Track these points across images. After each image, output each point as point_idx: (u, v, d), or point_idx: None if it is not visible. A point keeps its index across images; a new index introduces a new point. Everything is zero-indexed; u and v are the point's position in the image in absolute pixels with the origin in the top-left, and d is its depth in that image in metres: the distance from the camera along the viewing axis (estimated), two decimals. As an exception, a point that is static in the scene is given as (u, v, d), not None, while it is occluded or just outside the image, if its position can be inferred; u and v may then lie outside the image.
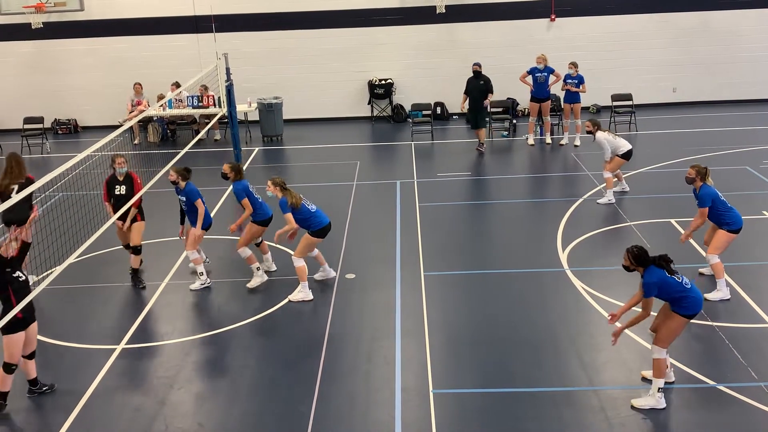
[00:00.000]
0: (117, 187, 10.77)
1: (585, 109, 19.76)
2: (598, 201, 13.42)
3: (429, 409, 7.63)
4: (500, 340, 8.97)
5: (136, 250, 10.84)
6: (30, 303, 7.68)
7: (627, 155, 13.33)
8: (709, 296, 9.57)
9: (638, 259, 7.44)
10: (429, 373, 8.23)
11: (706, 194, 9.70)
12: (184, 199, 10.69)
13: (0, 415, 7.78)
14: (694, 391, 7.81)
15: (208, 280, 10.77)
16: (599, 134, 13.32)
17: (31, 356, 8.01)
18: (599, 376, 8.15)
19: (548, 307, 9.78)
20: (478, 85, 17.13)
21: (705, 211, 9.72)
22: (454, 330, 9.23)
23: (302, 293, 10.20)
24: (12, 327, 7.55)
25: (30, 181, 10.06)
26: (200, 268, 10.70)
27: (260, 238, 11.07)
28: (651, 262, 7.43)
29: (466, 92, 17.32)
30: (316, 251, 10.61)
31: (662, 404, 7.49)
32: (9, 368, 7.74)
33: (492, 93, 17.21)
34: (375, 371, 8.43)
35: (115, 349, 9.10)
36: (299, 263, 10.21)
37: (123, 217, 10.61)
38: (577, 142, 17.41)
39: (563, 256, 11.21)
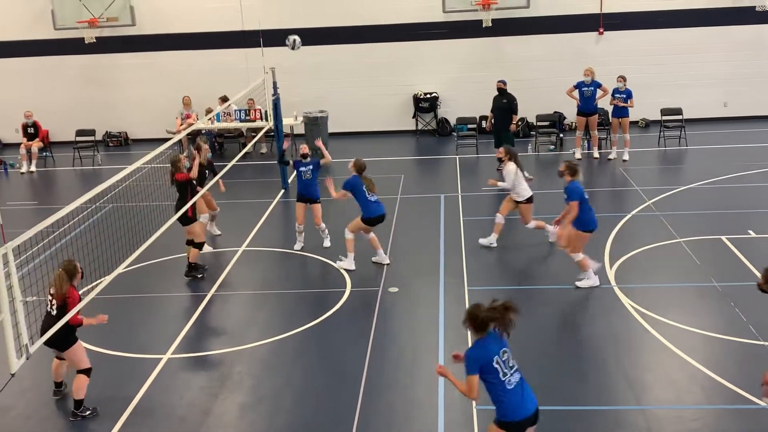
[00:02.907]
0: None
1: (633, 123, 19.47)
2: (481, 241, 12.33)
3: (473, 426, 7.55)
4: (545, 357, 8.85)
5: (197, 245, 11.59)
6: None
7: (529, 200, 12.14)
8: (579, 284, 10.54)
9: None
10: (473, 390, 8.13)
11: (575, 188, 10.25)
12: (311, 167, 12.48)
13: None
14: (746, 412, 7.60)
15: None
16: (511, 165, 11.99)
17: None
18: (646, 396, 7.99)
19: (595, 324, 9.63)
20: (501, 104, 16.97)
21: (574, 204, 10.17)
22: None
23: (347, 263, 11.60)
24: (74, 337, 8.00)
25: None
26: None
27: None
28: None
29: (491, 110, 17.18)
30: (371, 234, 11.63)
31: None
32: (88, 372, 8.06)
33: (516, 114, 16.96)
34: (418, 387, 8.36)
35: (161, 359, 9.22)
36: (348, 236, 11.52)
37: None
38: (626, 157, 17.17)
39: (611, 273, 11.04)
